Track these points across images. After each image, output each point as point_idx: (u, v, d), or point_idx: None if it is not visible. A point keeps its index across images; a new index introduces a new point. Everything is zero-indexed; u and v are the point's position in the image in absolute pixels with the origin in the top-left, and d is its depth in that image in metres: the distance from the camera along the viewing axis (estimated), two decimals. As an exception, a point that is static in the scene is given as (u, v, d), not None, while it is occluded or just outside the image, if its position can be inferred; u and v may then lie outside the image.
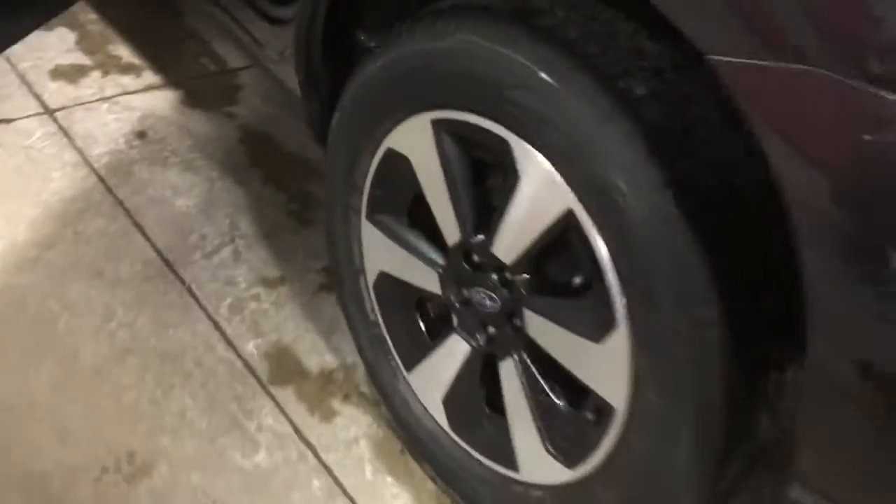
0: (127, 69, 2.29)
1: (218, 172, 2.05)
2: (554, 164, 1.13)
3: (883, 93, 0.83)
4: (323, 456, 1.56)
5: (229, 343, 1.71)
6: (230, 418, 1.59)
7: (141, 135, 2.12)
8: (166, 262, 1.83)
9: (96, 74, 2.26)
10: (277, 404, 1.62)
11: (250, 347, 1.71)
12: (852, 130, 0.86)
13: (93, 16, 2.44)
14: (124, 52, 2.34)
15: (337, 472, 1.55)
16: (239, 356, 1.69)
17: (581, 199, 1.11)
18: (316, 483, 1.53)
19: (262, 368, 1.68)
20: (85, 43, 2.35)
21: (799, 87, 0.84)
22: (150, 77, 2.28)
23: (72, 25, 2.39)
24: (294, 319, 1.78)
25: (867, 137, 0.85)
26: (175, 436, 1.55)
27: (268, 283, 1.84)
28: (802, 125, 0.87)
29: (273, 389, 1.65)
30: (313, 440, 1.58)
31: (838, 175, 0.88)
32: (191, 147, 2.10)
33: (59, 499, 1.43)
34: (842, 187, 0.88)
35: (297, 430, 1.59)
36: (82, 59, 2.30)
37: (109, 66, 2.30)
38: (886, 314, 0.88)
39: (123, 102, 2.19)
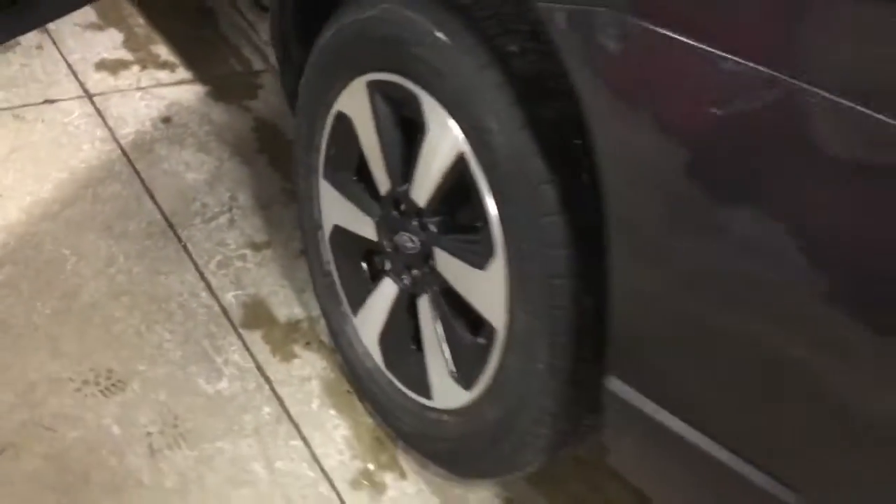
0: (163, 65, 2.60)
1: (228, 154, 2.32)
2: (449, 112, 1.34)
3: (664, 31, 1.01)
4: (277, 389, 1.78)
5: (212, 292, 1.95)
6: (201, 352, 1.82)
7: (166, 119, 2.40)
8: (169, 224, 2.09)
9: (135, 68, 2.57)
10: (245, 344, 1.85)
11: (229, 297, 1.95)
12: (639, 67, 1.05)
13: (141, 21, 2.77)
14: (163, 51, 2.65)
15: (287, 403, 1.76)
16: (218, 303, 1.92)
17: (469, 142, 1.32)
18: (266, 409, 1.74)
19: (237, 314, 1.91)
20: (130, 42, 2.67)
21: (593, 26, 1.04)
22: (182, 73, 2.58)
23: (121, 28, 2.72)
24: (273, 277, 2.01)
25: (655, 73, 1.04)
26: (151, 362, 1.79)
27: (255, 246, 2.07)
28: (598, 63, 1.06)
29: (243, 332, 1.88)
30: (271, 375, 1.80)
31: (628, 109, 1.06)
32: (208, 132, 2.38)
33: (44, 401, 1.68)
34: (629, 121, 1.06)
35: (258, 366, 1.81)
36: (125, 55, 2.61)
37: (148, 62, 2.60)
38: (661, 230, 1.06)
39: (155, 93, 2.49)
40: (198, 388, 1.76)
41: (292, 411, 1.74)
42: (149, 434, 1.67)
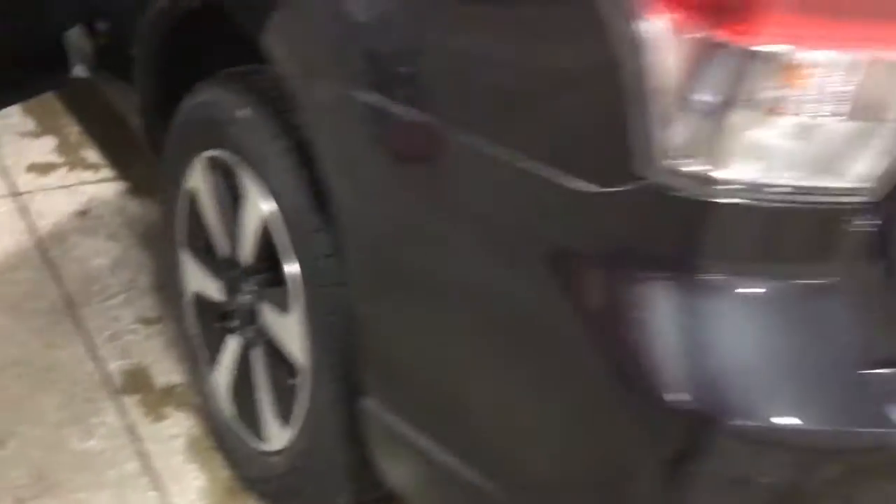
0: (89, 167, 2.86)
1: (135, 241, 2.55)
2: (255, 178, 1.55)
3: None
4: (144, 446, 1.95)
5: (98, 362, 2.14)
6: (79, 414, 2.00)
7: (83, 213, 2.64)
8: (69, 303, 2.30)
9: (63, 170, 2.83)
10: (121, 407, 2.03)
11: (114, 366, 2.14)
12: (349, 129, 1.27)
13: (76, 128, 3.05)
14: (91, 154, 2.92)
15: (152, 458, 1.92)
16: (102, 371, 2.11)
17: (269, 202, 1.53)
18: (131, 464, 1.91)
19: (119, 381, 2.10)
20: (62, 147, 2.94)
21: (315, 94, 1.26)
22: (105, 172, 2.84)
23: (56, 134, 2.99)
24: (158, 348, 2.20)
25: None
26: (31, 424, 1.97)
27: (146, 321, 2.27)
28: (321, 127, 1.28)
29: (121, 397, 2.06)
30: (140, 434, 1.97)
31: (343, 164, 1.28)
32: (120, 223, 2.62)
33: (-74, 459, 1.86)
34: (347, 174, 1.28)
35: (129, 427, 1.98)
36: (56, 158, 2.88)
37: (76, 164, 2.87)
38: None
39: (78, 190, 2.75)
40: (70, 446, 1.93)
41: (155, 466, 1.90)
42: (17, 487, 1.83)
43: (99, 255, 2.50)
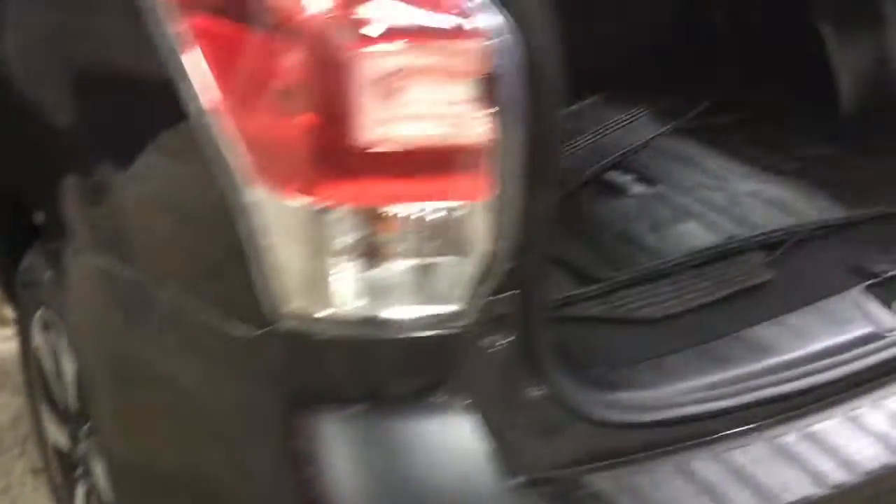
0: (5, 323, 3.01)
1: (39, 394, 2.68)
2: (66, 334, 1.68)
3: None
4: None
5: (-16, 517, 2.24)
6: (-43, 572, 2.09)
7: (-8, 369, 2.79)
8: (-36, 460, 2.42)
9: (-17, 334, 3.00)
10: (1, 561, 2.12)
11: (0, 519, 2.23)
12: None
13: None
14: (10, 311, 3.08)
15: None
16: (-14, 527, 2.21)
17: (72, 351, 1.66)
18: None
19: (2, 535, 2.19)
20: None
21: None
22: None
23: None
24: (43, 498, 2.29)
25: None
26: None
27: (35, 472, 2.38)
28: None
29: (2, 550, 2.15)
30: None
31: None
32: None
33: None
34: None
35: (4, 579, 2.07)
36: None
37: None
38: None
39: (-7, 347, 2.90)
40: None
41: None
42: None
43: (1, 410, 2.65)
